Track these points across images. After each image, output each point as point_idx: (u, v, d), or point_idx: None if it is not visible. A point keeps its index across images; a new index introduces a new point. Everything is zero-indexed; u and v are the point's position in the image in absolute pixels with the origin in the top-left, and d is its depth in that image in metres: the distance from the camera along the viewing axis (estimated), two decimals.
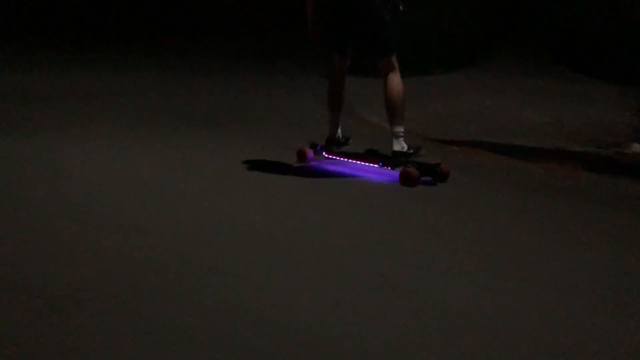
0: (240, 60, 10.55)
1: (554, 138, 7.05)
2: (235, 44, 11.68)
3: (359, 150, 5.32)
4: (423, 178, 4.84)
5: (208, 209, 4.18)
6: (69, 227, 3.71)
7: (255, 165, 5.14)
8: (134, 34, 12.21)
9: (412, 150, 4.95)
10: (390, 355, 2.60)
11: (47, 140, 5.57)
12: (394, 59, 5.01)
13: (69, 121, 6.31)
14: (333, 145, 5.30)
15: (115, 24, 12.96)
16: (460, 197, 4.78)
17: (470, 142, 6.62)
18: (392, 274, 3.34)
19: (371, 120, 7.08)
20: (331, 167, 5.22)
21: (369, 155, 5.21)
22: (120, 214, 3.97)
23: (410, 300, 3.06)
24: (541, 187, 5.34)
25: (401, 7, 5.09)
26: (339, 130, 5.32)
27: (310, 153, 5.32)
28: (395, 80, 4.98)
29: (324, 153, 5.32)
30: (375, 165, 5.04)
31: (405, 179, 4.79)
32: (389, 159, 5.00)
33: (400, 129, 4.95)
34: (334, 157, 5.28)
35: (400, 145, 4.95)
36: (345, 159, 5.23)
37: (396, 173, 4.87)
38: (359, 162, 5.16)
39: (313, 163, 5.30)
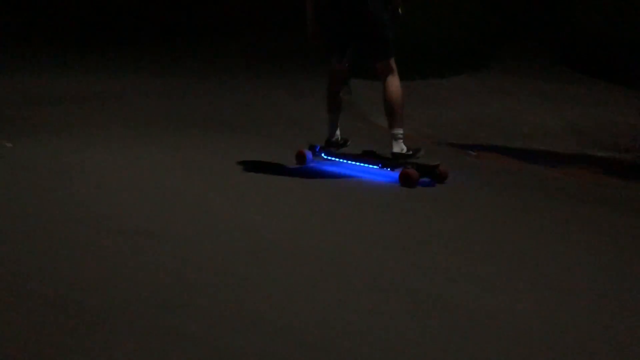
0: (244, 61, 10.58)
1: (569, 141, 6.83)
2: (239, 45, 11.70)
3: (357, 151, 5.33)
4: (421, 179, 4.86)
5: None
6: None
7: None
8: (138, 36, 12.25)
9: (411, 152, 4.96)
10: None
11: (60, 143, 5.63)
12: (392, 62, 5.02)
13: (75, 123, 6.36)
14: (332, 146, 5.32)
15: (119, 26, 13.00)
16: (471, 200, 4.77)
17: (487, 147, 6.48)
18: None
19: (382, 124, 7.05)
20: (332, 168, 5.23)
21: (369, 157, 5.22)
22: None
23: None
24: (558, 192, 5.19)
25: (400, 11, 5.10)
26: (338, 132, 5.33)
27: (309, 154, 5.33)
28: (394, 83, 4.99)
29: (322, 154, 5.33)
30: (375, 167, 5.07)
31: (405, 180, 4.81)
32: (388, 160, 5.01)
33: (399, 131, 4.97)
34: (333, 159, 5.30)
35: (399, 147, 4.96)
36: (345, 161, 5.24)
37: (396, 174, 4.89)
38: (358, 163, 5.17)
39: (312, 164, 5.31)
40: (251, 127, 6.69)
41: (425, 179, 4.91)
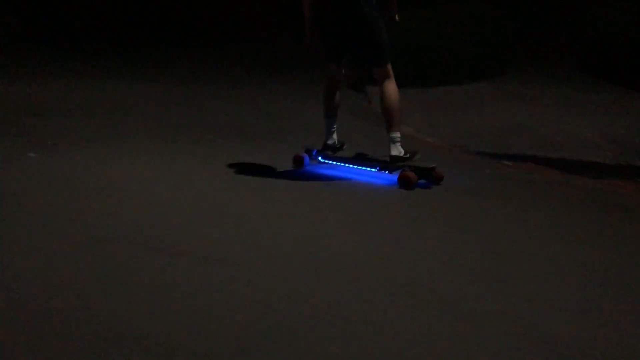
0: (256, 67, 10.55)
1: (607, 151, 6.42)
2: (247, 52, 11.71)
3: (352, 155, 5.46)
4: (418, 182, 4.94)
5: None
6: (125, 250, 3.52)
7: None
8: (143, 41, 12.20)
9: (408, 155, 5.04)
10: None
11: (84, 154, 5.43)
12: (389, 67, 5.07)
13: (98, 134, 6.16)
14: (329, 150, 5.39)
15: (130, 34, 12.91)
16: (524, 218, 4.55)
17: (521, 156, 6.22)
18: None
19: (405, 132, 6.87)
20: (332, 172, 5.27)
21: (366, 160, 5.31)
22: (179, 237, 3.77)
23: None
24: (596, 203, 5.01)
25: (397, 18, 5.20)
26: (334, 136, 5.41)
27: (306, 158, 5.39)
28: (391, 87, 5.05)
29: (320, 158, 5.39)
30: (373, 170, 5.13)
31: (404, 183, 4.87)
32: (386, 163, 5.08)
33: (397, 135, 5.03)
34: (331, 162, 5.36)
35: (397, 150, 5.03)
36: (342, 164, 5.31)
37: (394, 177, 4.96)
38: (356, 166, 5.24)
39: (309, 168, 5.36)
40: (276, 134, 6.57)
41: (422, 181, 4.98)
